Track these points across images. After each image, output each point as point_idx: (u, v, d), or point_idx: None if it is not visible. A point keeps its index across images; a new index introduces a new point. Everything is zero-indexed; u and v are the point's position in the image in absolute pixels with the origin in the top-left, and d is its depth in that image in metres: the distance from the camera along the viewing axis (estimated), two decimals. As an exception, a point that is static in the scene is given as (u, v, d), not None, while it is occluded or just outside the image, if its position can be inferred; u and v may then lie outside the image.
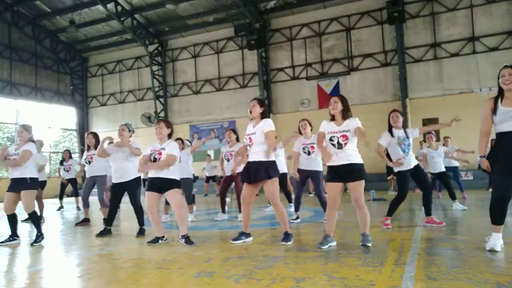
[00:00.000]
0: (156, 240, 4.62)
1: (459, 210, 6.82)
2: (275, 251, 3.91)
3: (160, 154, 4.58)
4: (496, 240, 3.55)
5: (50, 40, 20.68)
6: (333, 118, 4.07)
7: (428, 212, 5.27)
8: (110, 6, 16.85)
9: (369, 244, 3.87)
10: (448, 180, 7.47)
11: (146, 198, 4.61)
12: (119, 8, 17.25)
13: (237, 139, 6.82)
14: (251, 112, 4.40)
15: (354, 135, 3.89)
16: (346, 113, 4.01)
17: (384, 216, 5.30)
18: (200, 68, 19.34)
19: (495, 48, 14.14)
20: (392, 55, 15.59)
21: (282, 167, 7.42)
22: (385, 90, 15.57)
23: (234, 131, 6.87)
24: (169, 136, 4.78)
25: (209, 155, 15.51)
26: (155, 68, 19.69)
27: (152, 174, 4.60)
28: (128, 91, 21.22)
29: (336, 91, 16.45)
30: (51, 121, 21.28)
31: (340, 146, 3.91)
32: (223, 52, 18.82)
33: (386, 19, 15.24)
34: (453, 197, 7.21)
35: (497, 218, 3.58)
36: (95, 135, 6.95)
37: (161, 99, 19.89)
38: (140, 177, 5.62)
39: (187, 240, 4.46)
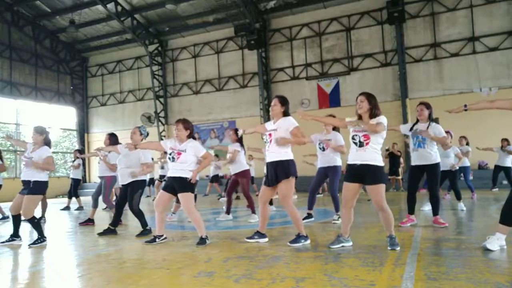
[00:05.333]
0: (153, 240, 4.63)
1: (459, 211, 6.82)
2: (275, 251, 3.90)
3: (179, 154, 4.45)
4: (497, 240, 3.54)
5: (50, 40, 20.68)
6: (360, 117, 3.86)
7: (434, 212, 5.24)
8: (110, 6, 16.85)
9: (398, 248, 3.69)
10: (455, 180, 7.43)
11: (158, 195, 4.65)
12: (119, 8, 17.25)
13: (239, 140, 6.75)
14: (272, 110, 4.32)
15: (380, 136, 3.76)
16: (374, 112, 3.77)
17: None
18: (200, 68, 19.34)
19: (495, 48, 14.14)
20: (392, 55, 15.59)
21: None
22: (385, 90, 15.57)
23: (236, 131, 6.76)
24: (189, 136, 4.59)
25: (216, 155, 15.15)
26: (155, 68, 19.69)
27: (169, 173, 4.57)
28: (128, 91, 21.23)
29: (336, 91, 16.48)
30: (51, 121, 21.24)
31: (361, 144, 3.77)
32: (223, 52, 18.82)
33: (386, 19, 15.26)
34: (458, 197, 7.18)
35: (509, 219, 3.52)
36: (112, 136, 6.61)
37: (161, 99, 19.90)
38: (139, 181, 5.49)
39: (200, 240, 4.42)
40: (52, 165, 4.92)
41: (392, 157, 12.34)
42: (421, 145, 5.11)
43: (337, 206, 5.90)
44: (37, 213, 5.87)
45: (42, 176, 4.88)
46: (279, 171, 4.17)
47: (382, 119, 3.77)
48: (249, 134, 4.92)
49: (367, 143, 3.75)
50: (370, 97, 3.84)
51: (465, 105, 3.97)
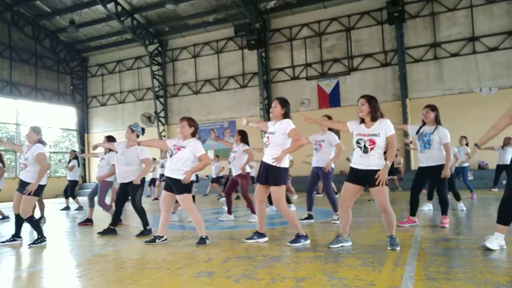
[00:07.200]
0: (154, 240, 4.63)
1: (459, 211, 6.82)
2: (275, 251, 3.91)
3: (178, 149, 4.47)
4: (496, 240, 3.53)
5: (50, 40, 20.69)
6: (362, 121, 3.84)
7: (442, 212, 5.27)
8: (110, 6, 16.85)
9: (398, 248, 3.70)
10: (453, 181, 7.39)
11: (161, 195, 4.68)
12: (119, 8, 17.25)
13: (243, 140, 6.75)
14: (272, 112, 4.33)
15: (384, 141, 3.71)
16: (374, 114, 3.74)
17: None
18: (200, 68, 19.35)
19: (495, 48, 14.14)
20: (392, 55, 15.59)
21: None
22: (385, 90, 15.58)
23: (240, 132, 6.79)
24: (193, 134, 4.62)
25: (216, 155, 15.00)
26: (155, 68, 19.69)
27: (165, 172, 4.60)
28: (128, 91, 21.23)
29: (336, 91, 16.48)
30: (51, 121, 21.23)
31: (366, 150, 3.71)
32: (223, 52, 18.82)
33: (386, 19, 15.26)
34: (457, 198, 7.16)
35: (506, 218, 3.53)
36: (109, 138, 6.66)
37: (161, 99, 19.90)
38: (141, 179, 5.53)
39: (200, 240, 4.42)
40: (44, 160, 4.88)
41: None
42: (427, 146, 5.12)
43: (334, 205, 5.90)
44: (36, 214, 5.85)
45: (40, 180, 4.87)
46: (270, 176, 4.19)
47: (390, 124, 3.75)
48: (252, 127, 4.97)
49: (372, 148, 3.71)
50: (370, 100, 3.78)
51: (476, 144, 4.10)
